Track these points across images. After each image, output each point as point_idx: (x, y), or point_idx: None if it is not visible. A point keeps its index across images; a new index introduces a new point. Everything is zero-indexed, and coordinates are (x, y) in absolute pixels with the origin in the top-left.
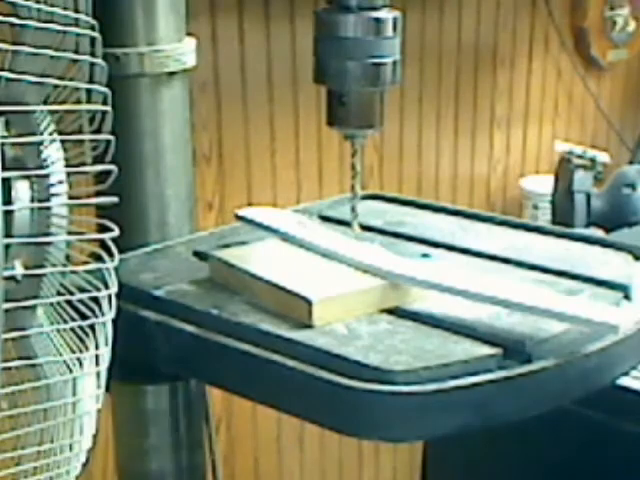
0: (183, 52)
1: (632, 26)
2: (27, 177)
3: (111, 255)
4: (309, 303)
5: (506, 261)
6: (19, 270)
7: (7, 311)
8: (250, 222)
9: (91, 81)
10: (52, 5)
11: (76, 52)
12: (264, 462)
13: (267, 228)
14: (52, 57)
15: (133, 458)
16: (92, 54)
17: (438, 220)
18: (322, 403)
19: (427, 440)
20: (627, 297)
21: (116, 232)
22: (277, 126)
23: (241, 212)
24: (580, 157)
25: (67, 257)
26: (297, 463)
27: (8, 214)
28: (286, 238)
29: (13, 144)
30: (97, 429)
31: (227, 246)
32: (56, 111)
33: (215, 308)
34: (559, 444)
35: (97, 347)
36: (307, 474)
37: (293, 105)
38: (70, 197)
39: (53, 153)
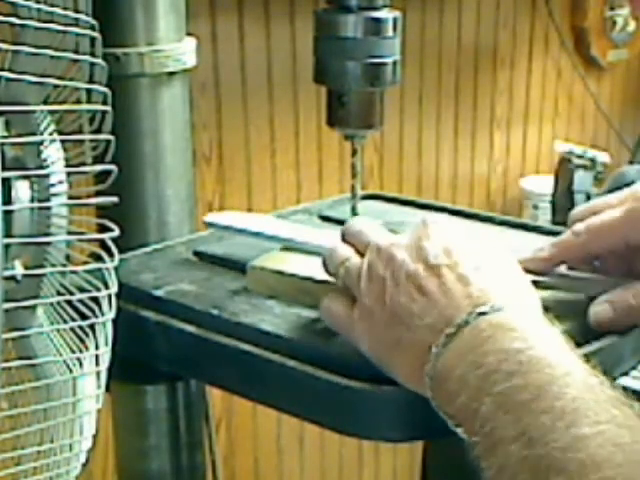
0: (183, 52)
1: (632, 26)
2: (27, 177)
3: (111, 255)
4: None
5: None
6: (19, 270)
7: (7, 311)
8: (223, 228)
9: (91, 81)
10: (52, 5)
11: (76, 52)
12: (264, 462)
13: (243, 231)
14: (52, 57)
15: (133, 458)
16: (92, 54)
17: None
18: (322, 403)
19: (427, 440)
20: None
21: (116, 232)
22: (277, 126)
23: (209, 218)
24: (580, 157)
25: (67, 257)
26: (297, 463)
27: (8, 214)
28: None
29: (13, 144)
30: (97, 429)
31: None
32: (56, 111)
33: (215, 308)
34: None
35: (97, 347)
36: (307, 474)
37: (293, 105)
38: (70, 197)
39: (53, 153)
